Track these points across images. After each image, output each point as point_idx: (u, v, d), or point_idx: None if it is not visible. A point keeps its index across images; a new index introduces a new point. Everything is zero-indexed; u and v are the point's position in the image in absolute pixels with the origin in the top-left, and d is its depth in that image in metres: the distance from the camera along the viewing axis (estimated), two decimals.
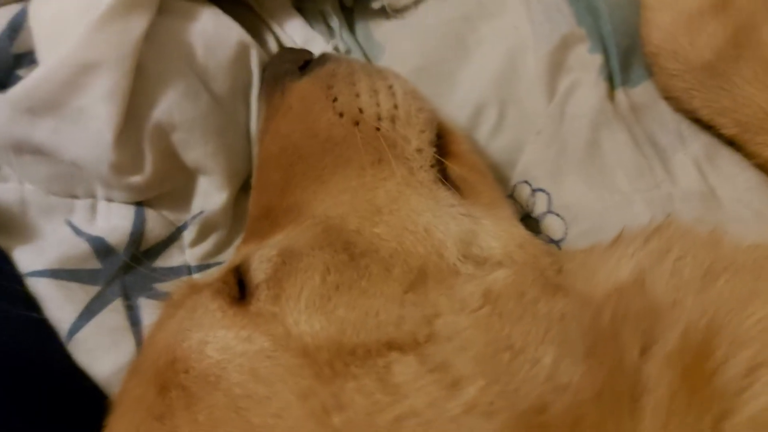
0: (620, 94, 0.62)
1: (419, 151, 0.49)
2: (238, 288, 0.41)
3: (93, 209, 0.56)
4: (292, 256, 0.41)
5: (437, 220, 0.44)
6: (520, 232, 0.46)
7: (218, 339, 0.38)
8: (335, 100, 0.52)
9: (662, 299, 0.32)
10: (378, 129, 0.50)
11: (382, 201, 0.45)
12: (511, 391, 0.29)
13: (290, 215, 0.47)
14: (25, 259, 0.53)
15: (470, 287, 0.37)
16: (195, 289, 0.44)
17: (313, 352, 0.35)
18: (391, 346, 0.34)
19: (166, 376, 0.38)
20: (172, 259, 0.57)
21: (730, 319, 0.31)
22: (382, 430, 0.30)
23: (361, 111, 0.51)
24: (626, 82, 0.62)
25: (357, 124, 0.50)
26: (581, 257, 0.41)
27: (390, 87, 0.53)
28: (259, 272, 0.41)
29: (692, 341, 0.29)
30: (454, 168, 0.49)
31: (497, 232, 0.45)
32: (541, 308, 0.33)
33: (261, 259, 0.42)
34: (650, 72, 0.62)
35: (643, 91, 0.62)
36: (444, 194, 0.47)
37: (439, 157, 0.49)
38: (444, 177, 0.49)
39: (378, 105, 0.52)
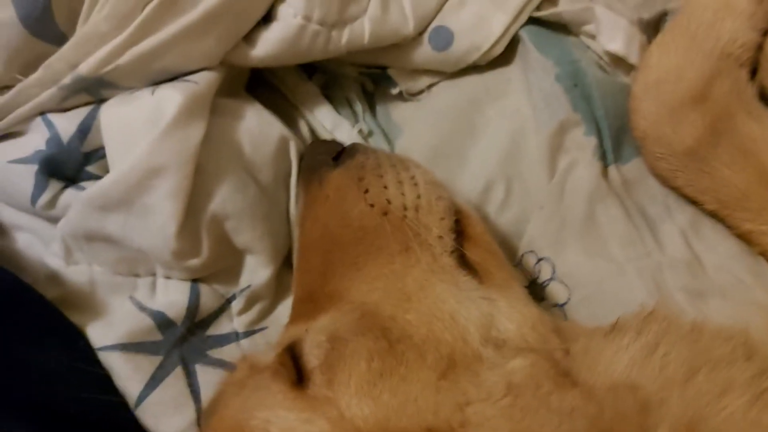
0: (613, 170, 0.69)
1: (440, 238, 0.57)
2: (296, 371, 0.48)
3: (153, 286, 0.63)
4: (339, 341, 0.49)
5: (460, 306, 0.51)
6: (532, 311, 0.53)
7: (281, 419, 0.45)
8: (366, 191, 0.59)
9: (652, 397, 0.40)
10: (404, 218, 0.58)
11: (411, 288, 0.53)
12: None
13: (332, 299, 0.54)
14: (97, 334, 0.60)
15: (494, 377, 0.44)
16: (255, 369, 0.51)
17: None
18: (431, 431, 0.42)
19: None
20: (222, 327, 0.65)
21: (708, 412, 0.39)
22: None
23: (389, 202, 0.58)
24: (618, 159, 0.70)
25: (385, 214, 0.58)
26: (584, 342, 0.48)
27: (412, 177, 0.61)
28: (312, 357, 0.48)
29: None
30: (475, 248, 0.57)
31: (512, 314, 0.52)
32: (554, 401, 0.41)
33: (312, 345, 0.49)
34: (639, 151, 0.70)
35: (634, 167, 0.70)
36: (464, 279, 0.54)
37: (456, 246, 0.57)
38: (462, 259, 0.57)
39: (403, 195, 0.59)
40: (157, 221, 0.58)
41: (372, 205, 0.58)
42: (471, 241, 0.59)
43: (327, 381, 0.46)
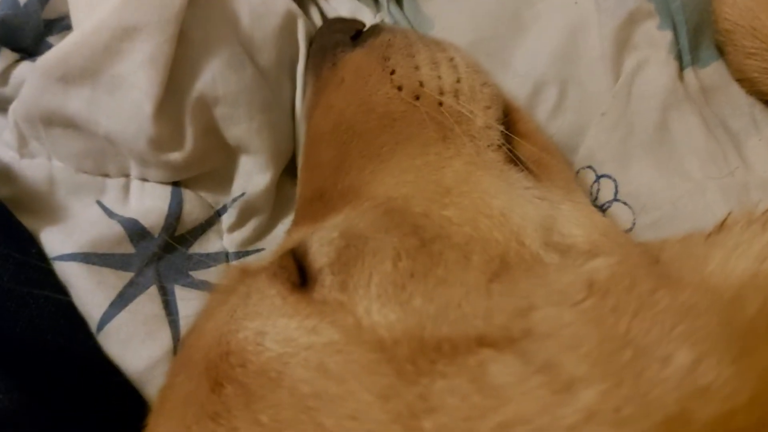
0: (689, 74, 0.57)
1: (486, 128, 0.45)
2: (299, 273, 0.37)
3: (126, 189, 0.52)
4: (356, 238, 0.37)
5: (513, 204, 0.40)
6: (602, 219, 0.42)
7: (279, 329, 0.34)
8: (393, 72, 0.48)
9: None
10: (440, 104, 0.46)
11: (450, 182, 0.41)
12: (641, 396, 0.25)
13: (347, 197, 0.43)
14: (54, 241, 0.49)
15: (568, 277, 0.33)
16: (248, 273, 0.40)
17: (391, 346, 0.31)
18: (482, 342, 0.30)
19: (220, 370, 0.34)
20: (209, 244, 0.53)
21: None
22: None
23: (421, 84, 0.47)
24: (696, 61, 0.58)
25: (417, 98, 0.46)
26: (679, 247, 0.37)
27: (451, 59, 0.49)
28: (320, 256, 0.37)
29: None
30: (526, 147, 0.45)
31: (578, 219, 0.41)
32: (662, 300, 0.29)
33: (321, 242, 0.38)
34: (721, 52, 0.58)
35: (714, 72, 0.58)
36: (517, 176, 0.43)
37: (508, 134, 0.45)
38: (513, 158, 0.45)
39: (440, 78, 0.48)
40: (129, 97, 0.46)
41: (400, 88, 0.47)
42: (524, 139, 0.47)
43: (340, 282, 0.35)
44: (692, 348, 0.26)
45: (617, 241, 0.40)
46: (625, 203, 0.54)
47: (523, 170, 0.44)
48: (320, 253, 0.37)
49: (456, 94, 0.47)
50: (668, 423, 0.24)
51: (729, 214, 0.37)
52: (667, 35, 0.56)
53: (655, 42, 0.57)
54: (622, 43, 0.57)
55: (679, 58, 0.57)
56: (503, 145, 0.45)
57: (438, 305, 0.33)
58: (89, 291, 0.47)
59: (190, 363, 0.36)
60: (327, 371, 0.31)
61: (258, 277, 0.38)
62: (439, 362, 0.30)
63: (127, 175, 0.52)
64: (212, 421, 0.32)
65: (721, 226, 0.37)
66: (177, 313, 0.49)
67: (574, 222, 0.40)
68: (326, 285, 0.35)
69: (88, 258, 0.48)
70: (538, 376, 0.27)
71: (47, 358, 0.45)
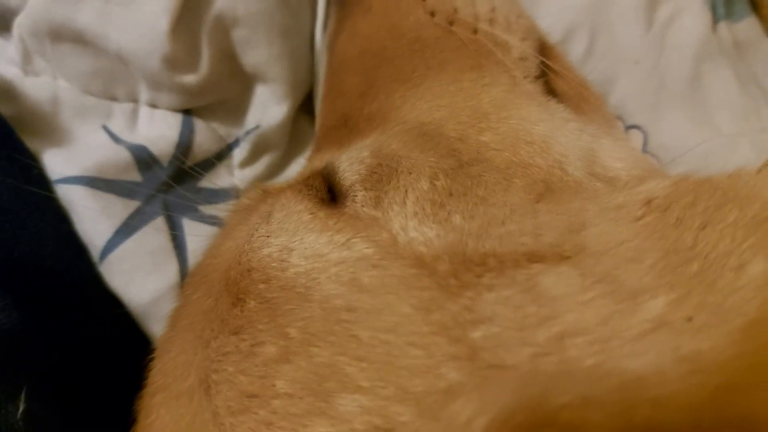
0: (723, 27, 0.56)
1: (522, 59, 0.43)
2: (327, 191, 0.35)
3: (134, 115, 0.49)
4: (389, 158, 0.35)
5: (554, 132, 0.38)
6: (643, 156, 0.40)
7: (306, 245, 0.31)
8: None
9: None
10: (475, 31, 0.44)
11: (487, 107, 0.39)
12: (715, 305, 0.23)
13: (374, 122, 0.41)
14: (57, 163, 0.46)
15: (622, 197, 0.31)
16: (269, 193, 0.37)
17: (431, 262, 0.29)
18: (531, 258, 0.28)
19: (241, 287, 0.31)
20: (219, 178, 0.50)
21: None
22: (541, 349, 0.24)
23: (455, 11, 0.44)
24: (729, 15, 0.56)
25: (451, 24, 0.44)
26: (729, 180, 0.35)
27: None
28: (351, 173, 0.35)
29: None
30: (563, 82, 0.43)
31: (620, 154, 0.39)
32: (730, 214, 0.27)
33: (351, 161, 0.36)
34: (754, 7, 0.56)
35: (747, 28, 0.56)
36: (556, 107, 0.41)
37: (547, 62, 0.43)
38: (551, 90, 0.43)
39: (474, 5, 0.45)
40: (145, 10, 0.43)
41: (432, 14, 0.44)
42: (559, 76, 0.45)
43: (373, 198, 0.33)
44: (767, 258, 0.24)
45: (660, 176, 0.38)
46: (655, 155, 0.52)
47: (562, 103, 0.42)
48: (351, 170, 0.35)
49: (491, 23, 0.44)
50: (750, 327, 0.22)
51: None
52: None
53: None
54: None
55: (713, 10, 0.55)
56: (541, 76, 0.43)
57: (480, 223, 0.31)
58: (93, 217, 0.45)
59: (207, 281, 0.34)
60: (361, 285, 0.29)
61: (282, 195, 0.35)
62: (485, 276, 0.28)
63: (135, 101, 0.49)
64: (234, 336, 0.30)
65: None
66: (185, 246, 0.47)
67: (616, 156, 0.38)
68: (358, 200, 0.33)
69: (92, 182, 0.45)
70: (599, 287, 0.25)
71: (46, 284, 0.42)
